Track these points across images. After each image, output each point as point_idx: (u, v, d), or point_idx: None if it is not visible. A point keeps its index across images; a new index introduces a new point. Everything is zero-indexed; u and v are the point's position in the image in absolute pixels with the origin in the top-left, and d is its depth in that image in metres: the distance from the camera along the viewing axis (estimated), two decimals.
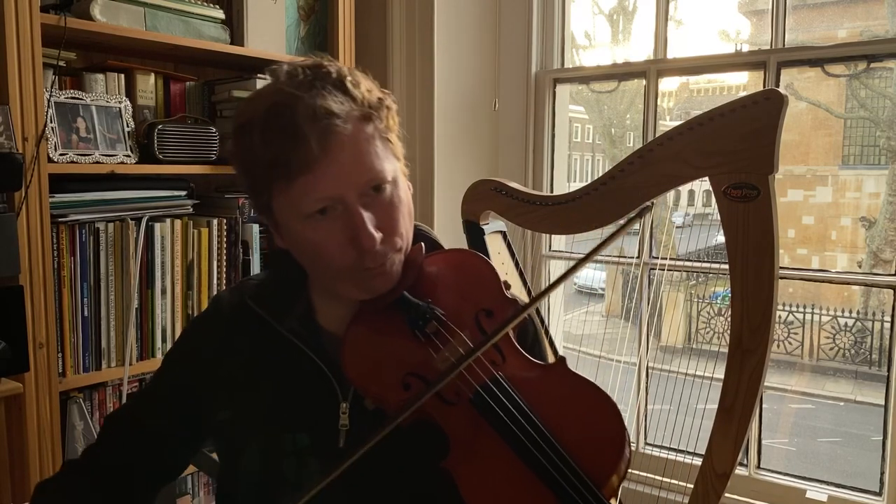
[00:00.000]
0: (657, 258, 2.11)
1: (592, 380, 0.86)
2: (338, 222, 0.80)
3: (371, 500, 0.86)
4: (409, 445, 0.83)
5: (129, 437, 0.97)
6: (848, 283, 2.11)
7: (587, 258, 0.87)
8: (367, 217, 0.80)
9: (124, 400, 1.73)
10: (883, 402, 1.88)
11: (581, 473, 0.77)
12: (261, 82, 1.86)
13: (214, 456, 1.11)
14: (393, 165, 0.84)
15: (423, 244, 0.91)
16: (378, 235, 0.80)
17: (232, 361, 0.93)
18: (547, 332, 1.74)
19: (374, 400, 0.85)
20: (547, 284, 0.89)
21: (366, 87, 0.84)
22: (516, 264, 1.77)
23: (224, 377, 0.93)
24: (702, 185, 1.40)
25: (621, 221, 0.95)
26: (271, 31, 1.98)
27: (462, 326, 0.86)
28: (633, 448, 0.83)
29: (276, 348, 0.90)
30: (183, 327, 1.80)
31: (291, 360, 0.89)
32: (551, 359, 0.93)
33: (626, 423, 0.81)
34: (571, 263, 0.90)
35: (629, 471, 0.82)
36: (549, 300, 2.33)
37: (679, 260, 2.08)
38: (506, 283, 0.91)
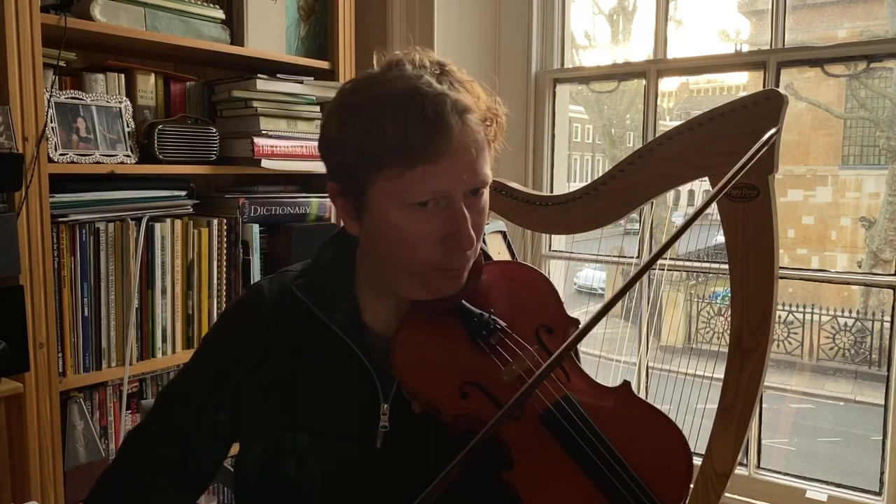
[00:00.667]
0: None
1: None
2: (437, 217, 0.81)
3: None
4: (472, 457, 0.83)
5: (176, 420, 0.96)
6: (848, 283, 2.11)
7: (664, 249, 0.87)
8: (468, 217, 0.81)
9: (124, 400, 1.73)
10: (883, 402, 1.88)
11: (651, 493, 0.77)
12: (261, 82, 1.86)
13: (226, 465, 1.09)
14: (490, 173, 0.85)
15: (482, 252, 0.91)
16: (473, 236, 0.81)
17: (276, 349, 0.92)
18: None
19: (425, 405, 0.84)
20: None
21: (484, 93, 0.85)
22: None
23: (267, 362, 0.91)
24: (702, 185, 1.40)
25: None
26: (271, 31, 1.98)
27: (524, 340, 0.86)
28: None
29: (320, 342, 0.89)
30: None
31: (335, 355, 0.89)
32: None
33: (690, 451, 0.81)
34: (570, 263, 0.90)
35: None
36: None
37: (679, 260, 2.08)
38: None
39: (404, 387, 0.86)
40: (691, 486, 0.80)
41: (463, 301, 0.87)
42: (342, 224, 0.91)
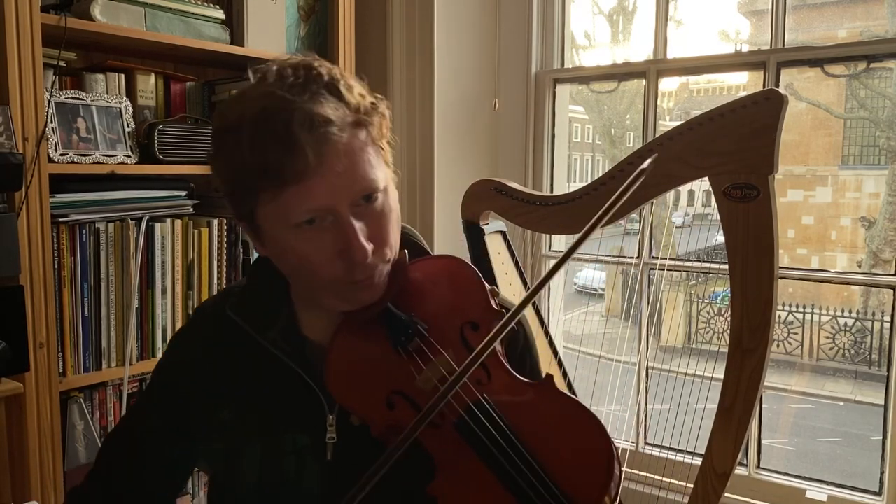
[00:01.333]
0: (657, 258, 2.11)
1: (592, 381, 0.85)
2: (328, 233, 0.77)
3: None
4: (398, 468, 0.80)
5: (127, 459, 0.97)
6: (848, 283, 2.11)
7: (574, 248, 0.81)
8: (359, 228, 0.77)
9: (125, 400, 1.73)
10: (883, 402, 1.88)
11: (566, 500, 0.75)
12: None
13: None
14: (384, 173, 0.81)
15: (406, 251, 0.88)
16: (370, 247, 0.77)
17: (218, 372, 0.91)
18: (547, 332, 1.75)
19: (359, 418, 0.83)
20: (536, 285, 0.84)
21: (359, 92, 0.80)
22: (516, 264, 1.78)
23: (212, 388, 0.91)
24: (702, 185, 1.40)
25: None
26: (271, 31, 1.98)
27: (446, 342, 0.83)
28: (622, 468, 0.81)
29: (260, 359, 0.88)
30: (167, 344, 1.80)
31: (276, 371, 0.87)
32: (545, 359, 0.91)
33: (613, 444, 0.78)
34: (570, 263, 0.88)
35: (630, 471, 0.81)
36: (548, 300, 2.33)
37: (679, 260, 2.08)
38: (493, 290, 0.87)
39: (337, 401, 0.84)
40: (616, 471, 0.77)
41: (389, 306, 0.83)
42: None
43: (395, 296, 0.84)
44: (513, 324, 0.78)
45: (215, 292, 1.86)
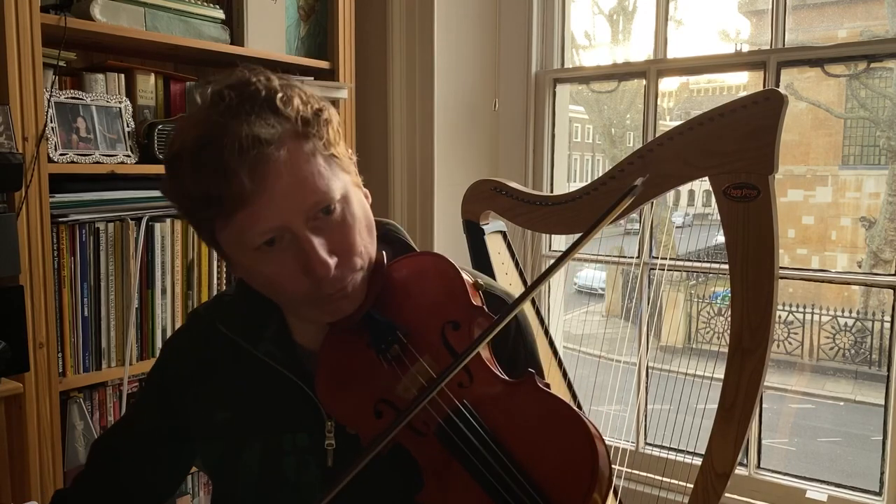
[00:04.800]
0: (657, 258, 2.11)
1: (592, 381, 0.84)
2: (288, 252, 0.75)
3: None
4: (387, 476, 0.80)
5: (122, 459, 0.97)
6: (848, 283, 2.11)
7: (556, 265, 0.81)
8: (319, 243, 0.75)
9: (124, 400, 1.73)
10: (883, 402, 1.88)
11: None
12: None
13: None
14: (342, 182, 0.78)
15: (384, 253, 0.85)
16: (332, 260, 0.75)
17: (214, 375, 0.91)
18: (547, 331, 1.75)
19: (351, 428, 0.83)
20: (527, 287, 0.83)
21: (299, 102, 0.77)
22: (516, 264, 1.78)
23: (208, 390, 0.91)
24: (702, 185, 1.40)
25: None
26: (271, 31, 1.98)
27: (426, 345, 0.81)
28: (612, 466, 0.79)
29: (256, 366, 0.88)
30: (161, 347, 1.80)
31: (273, 379, 0.87)
32: (545, 359, 0.89)
33: (599, 444, 0.76)
34: (570, 263, 0.87)
35: (630, 471, 0.80)
36: (548, 300, 2.33)
37: (679, 260, 2.08)
38: (476, 283, 0.85)
39: (330, 413, 0.84)
40: (605, 470, 0.75)
41: (370, 311, 0.81)
42: None
43: (375, 300, 0.82)
44: (495, 332, 0.76)
45: (215, 292, 1.86)
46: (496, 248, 1.72)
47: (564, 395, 1.63)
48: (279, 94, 0.76)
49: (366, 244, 0.80)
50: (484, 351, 0.81)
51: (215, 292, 1.85)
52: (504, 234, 1.77)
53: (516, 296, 0.83)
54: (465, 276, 0.84)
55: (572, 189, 1.51)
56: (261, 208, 0.73)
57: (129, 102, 1.74)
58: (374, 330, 0.81)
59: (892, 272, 2.10)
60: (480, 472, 0.76)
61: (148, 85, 1.82)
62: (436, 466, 0.78)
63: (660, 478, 1.95)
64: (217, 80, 0.78)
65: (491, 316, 0.80)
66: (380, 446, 0.74)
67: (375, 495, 0.81)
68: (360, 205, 0.81)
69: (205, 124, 0.74)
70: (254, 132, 0.72)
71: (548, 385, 0.80)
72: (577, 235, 0.80)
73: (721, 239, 1.35)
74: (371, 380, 0.82)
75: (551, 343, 1.73)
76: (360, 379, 0.83)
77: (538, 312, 1.79)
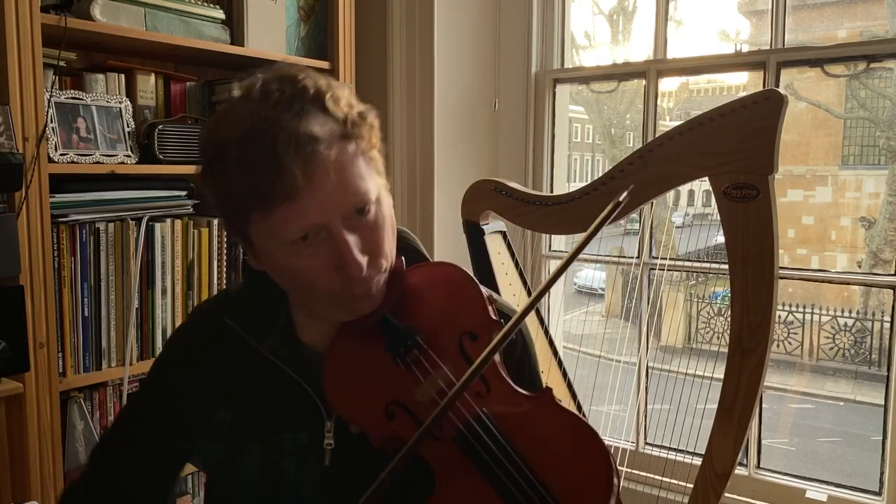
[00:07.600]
0: (657, 258, 2.11)
1: (592, 381, 0.84)
2: (322, 249, 0.76)
3: None
4: (399, 480, 0.80)
5: (124, 455, 0.97)
6: (848, 283, 2.11)
7: (558, 274, 0.82)
8: (353, 242, 0.76)
9: (124, 400, 1.73)
10: (883, 402, 1.88)
11: None
12: None
13: None
14: (376, 184, 0.80)
15: (403, 258, 0.87)
16: (364, 260, 0.77)
17: (216, 373, 0.91)
18: (547, 332, 1.75)
19: (358, 427, 0.83)
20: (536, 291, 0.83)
21: (346, 104, 0.79)
22: (516, 264, 1.78)
23: (209, 388, 0.91)
24: (702, 185, 1.40)
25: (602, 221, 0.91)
26: (271, 31, 1.98)
27: (445, 353, 0.82)
28: (621, 480, 0.81)
29: (257, 366, 0.88)
30: (163, 344, 1.80)
31: (274, 376, 0.87)
32: (544, 359, 0.90)
33: (612, 459, 0.78)
34: (559, 279, 0.86)
35: (630, 471, 0.81)
36: (548, 299, 2.33)
37: (679, 260, 2.08)
38: (490, 296, 0.87)
39: (336, 411, 0.84)
40: (615, 487, 0.76)
41: (386, 315, 0.83)
42: None
43: (393, 304, 0.83)
44: (511, 335, 0.78)
45: (215, 292, 1.85)
46: (496, 249, 1.72)
47: (564, 395, 1.63)
48: (328, 94, 0.77)
49: (391, 246, 0.82)
50: (499, 365, 0.83)
51: (215, 292, 1.85)
52: (504, 235, 1.77)
53: (519, 310, 0.84)
54: (483, 290, 0.86)
55: (572, 189, 1.51)
56: (306, 205, 0.74)
57: (129, 102, 1.74)
58: (391, 333, 0.82)
59: (892, 272, 2.10)
60: (498, 477, 0.77)
61: (148, 85, 1.82)
62: (450, 471, 0.79)
63: (660, 478, 1.95)
64: (261, 75, 0.79)
65: (504, 334, 0.81)
66: (408, 457, 0.74)
67: (388, 498, 0.82)
68: (389, 206, 0.83)
69: (255, 117, 0.74)
70: (308, 129, 0.73)
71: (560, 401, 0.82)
72: (577, 235, 0.81)
73: (721, 239, 1.35)
74: (384, 381, 0.83)
75: (551, 343, 1.73)
76: (372, 379, 0.83)
77: (538, 312, 1.79)
